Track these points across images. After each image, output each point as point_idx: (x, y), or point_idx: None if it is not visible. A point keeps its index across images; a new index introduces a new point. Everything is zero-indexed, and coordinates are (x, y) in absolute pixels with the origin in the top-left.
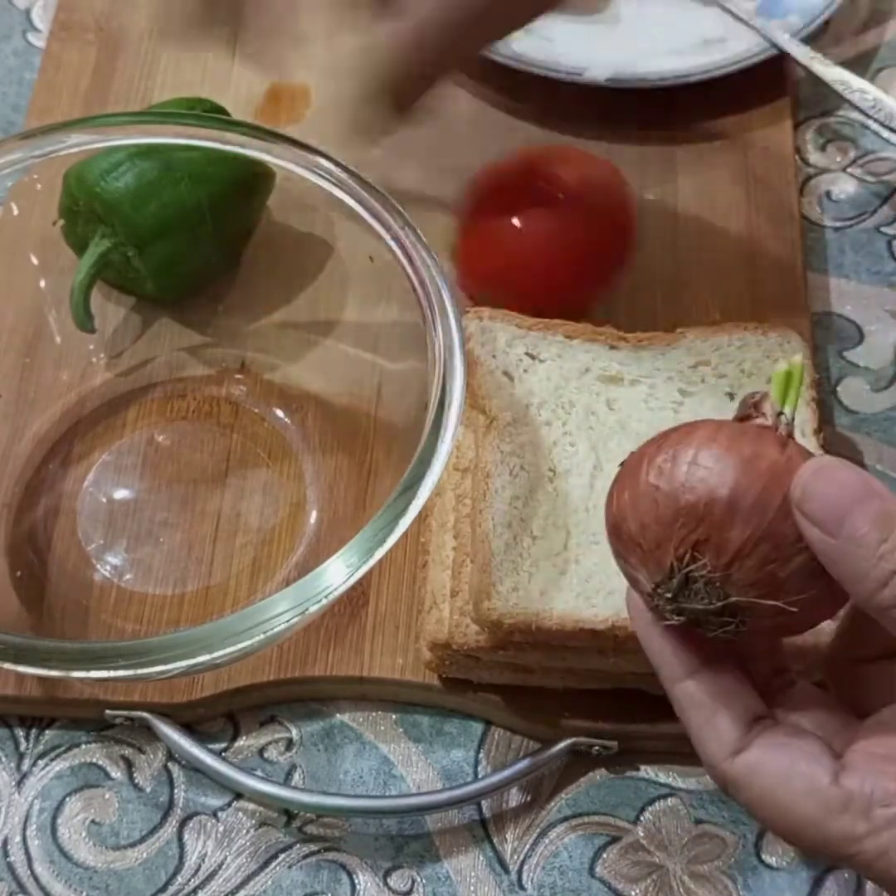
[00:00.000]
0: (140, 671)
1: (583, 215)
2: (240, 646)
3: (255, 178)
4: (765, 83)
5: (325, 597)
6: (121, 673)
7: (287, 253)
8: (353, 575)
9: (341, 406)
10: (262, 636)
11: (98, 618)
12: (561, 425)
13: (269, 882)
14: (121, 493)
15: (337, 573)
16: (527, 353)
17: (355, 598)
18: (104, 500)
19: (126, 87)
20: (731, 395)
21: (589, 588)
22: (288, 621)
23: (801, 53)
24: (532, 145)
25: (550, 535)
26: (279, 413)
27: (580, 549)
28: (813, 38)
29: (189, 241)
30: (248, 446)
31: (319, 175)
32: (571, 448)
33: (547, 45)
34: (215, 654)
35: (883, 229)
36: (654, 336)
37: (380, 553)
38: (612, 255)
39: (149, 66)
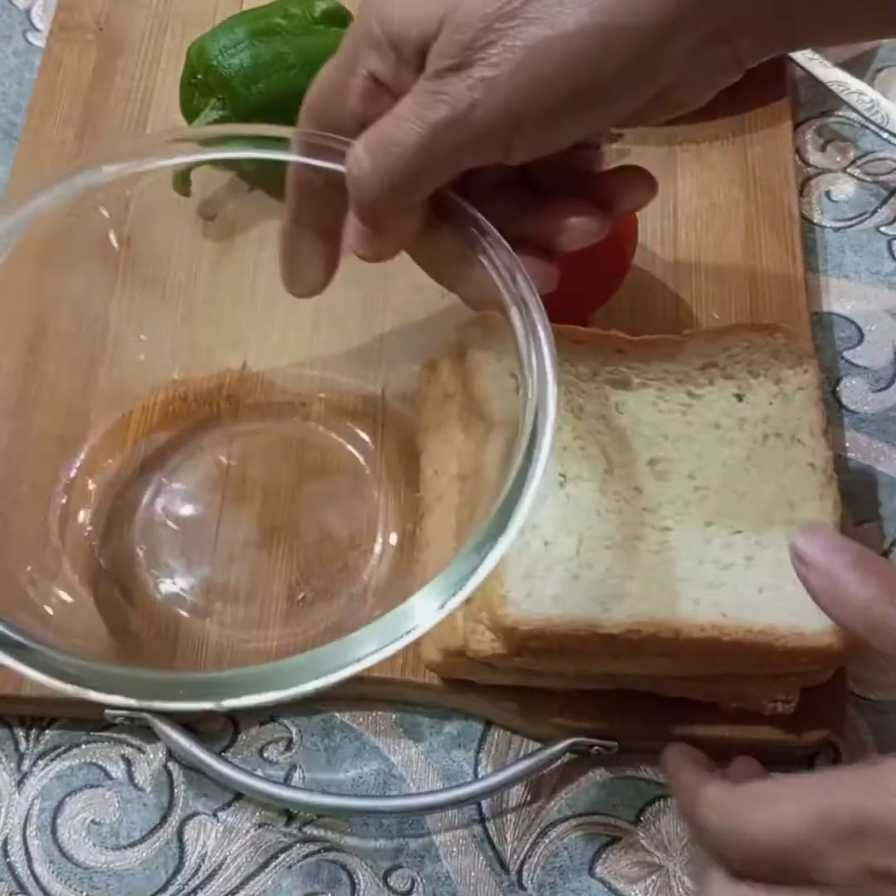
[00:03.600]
0: (227, 702)
1: None
2: (326, 681)
3: None
4: (765, 84)
5: (410, 634)
6: (209, 705)
7: None
8: (439, 612)
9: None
10: (345, 673)
11: (183, 646)
12: (571, 429)
13: (269, 882)
14: (193, 517)
15: (423, 612)
16: None
17: (356, 596)
18: (177, 525)
19: (126, 87)
20: (740, 397)
21: (602, 593)
22: (372, 660)
23: (801, 54)
24: None
25: (562, 541)
26: (355, 431)
27: (593, 554)
28: None
29: (293, 125)
30: (321, 465)
31: None
32: (582, 452)
33: None
34: (302, 688)
35: (883, 229)
36: (660, 339)
37: (468, 589)
38: (610, 269)
39: (149, 66)
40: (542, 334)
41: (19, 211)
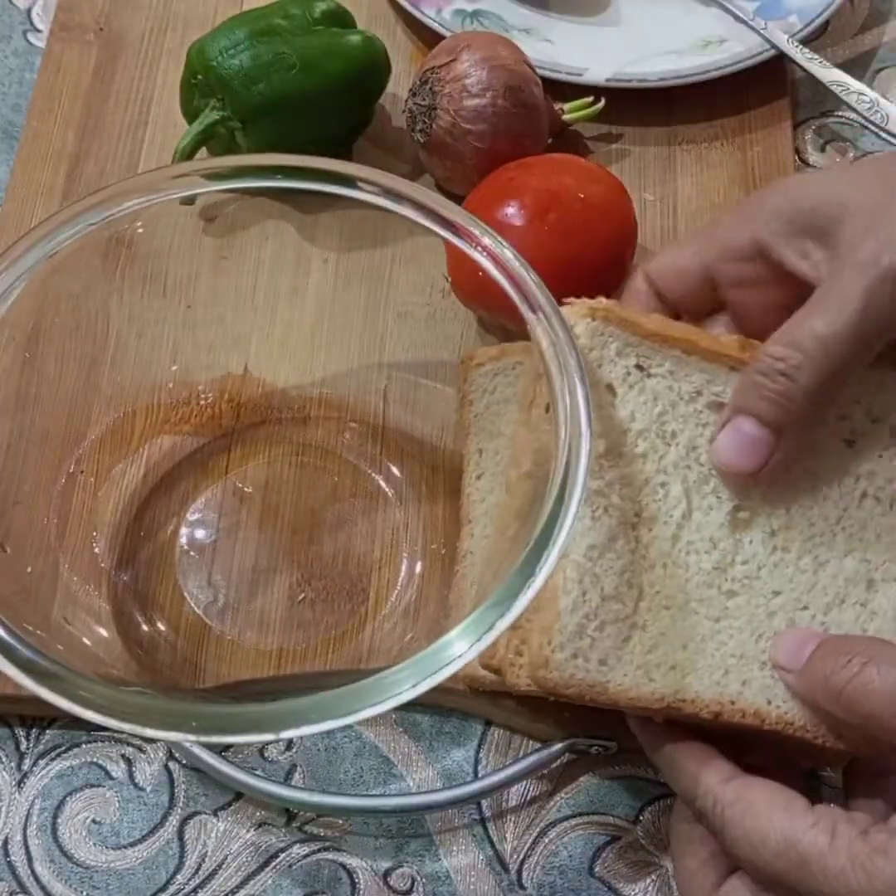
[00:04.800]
0: (264, 736)
1: (581, 229)
2: (363, 715)
3: (367, 78)
4: (764, 83)
5: (446, 669)
6: (250, 738)
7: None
8: (474, 647)
9: (442, 451)
10: (381, 707)
11: (214, 673)
12: (657, 460)
13: (269, 882)
14: (216, 543)
15: (459, 647)
16: (637, 366)
17: (356, 595)
18: (198, 554)
19: (126, 87)
20: (850, 443)
21: (651, 661)
22: (408, 696)
23: (801, 54)
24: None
25: (622, 596)
26: (381, 458)
27: (650, 613)
28: (812, 39)
29: (293, 126)
30: (344, 490)
31: None
32: (662, 489)
33: (547, 46)
34: (340, 721)
35: None
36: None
37: (502, 626)
38: (610, 271)
39: (149, 66)
40: (575, 370)
41: (27, 257)
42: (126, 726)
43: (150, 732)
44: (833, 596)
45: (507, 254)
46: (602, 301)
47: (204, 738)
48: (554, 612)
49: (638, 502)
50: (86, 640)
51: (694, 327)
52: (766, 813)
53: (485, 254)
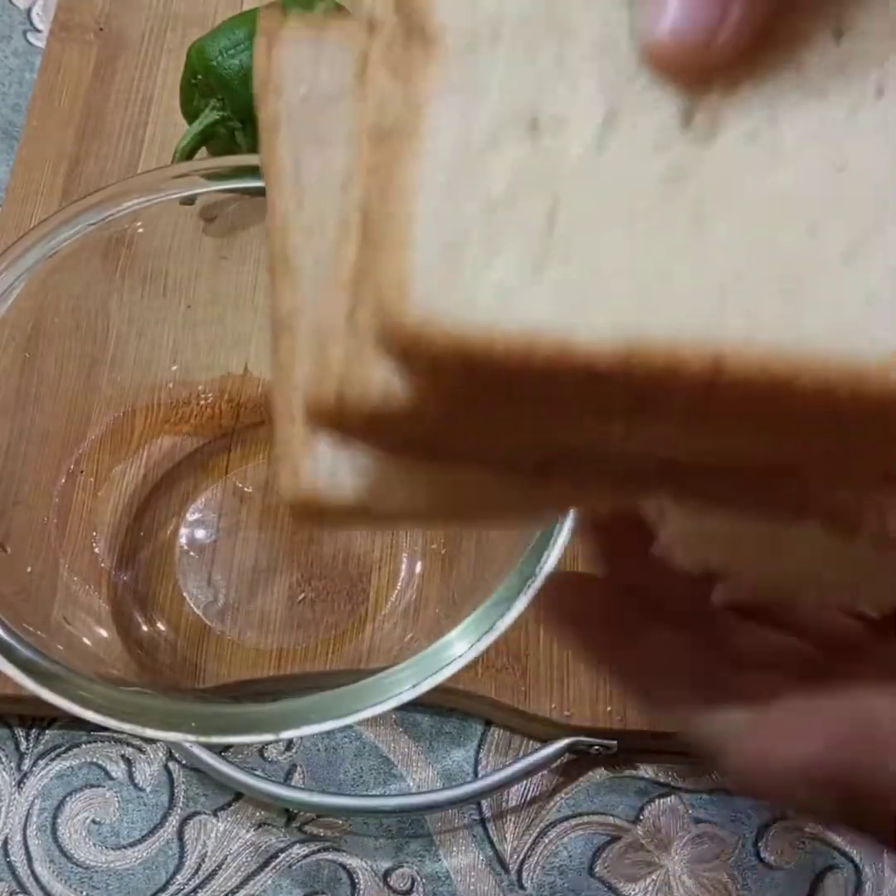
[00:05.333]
0: (264, 736)
1: None
2: (363, 715)
3: None
4: None
5: (446, 669)
6: (250, 739)
7: None
8: (474, 648)
9: None
10: (381, 707)
11: (214, 673)
12: (553, 54)
13: (269, 882)
14: (216, 543)
15: (459, 647)
16: None
17: (355, 594)
18: (198, 554)
19: (126, 87)
20: (838, 36)
21: (585, 291)
22: (408, 696)
23: None
24: None
25: (523, 203)
26: None
27: (575, 231)
28: None
29: None
30: None
31: None
32: (569, 88)
33: None
34: (340, 721)
35: None
36: None
37: (503, 626)
38: None
39: (149, 66)
40: None
41: (27, 257)
42: (126, 726)
43: (149, 733)
44: (871, 202)
45: None
46: None
47: (204, 739)
48: (404, 222)
49: (532, 106)
50: (86, 640)
51: None
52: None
53: None
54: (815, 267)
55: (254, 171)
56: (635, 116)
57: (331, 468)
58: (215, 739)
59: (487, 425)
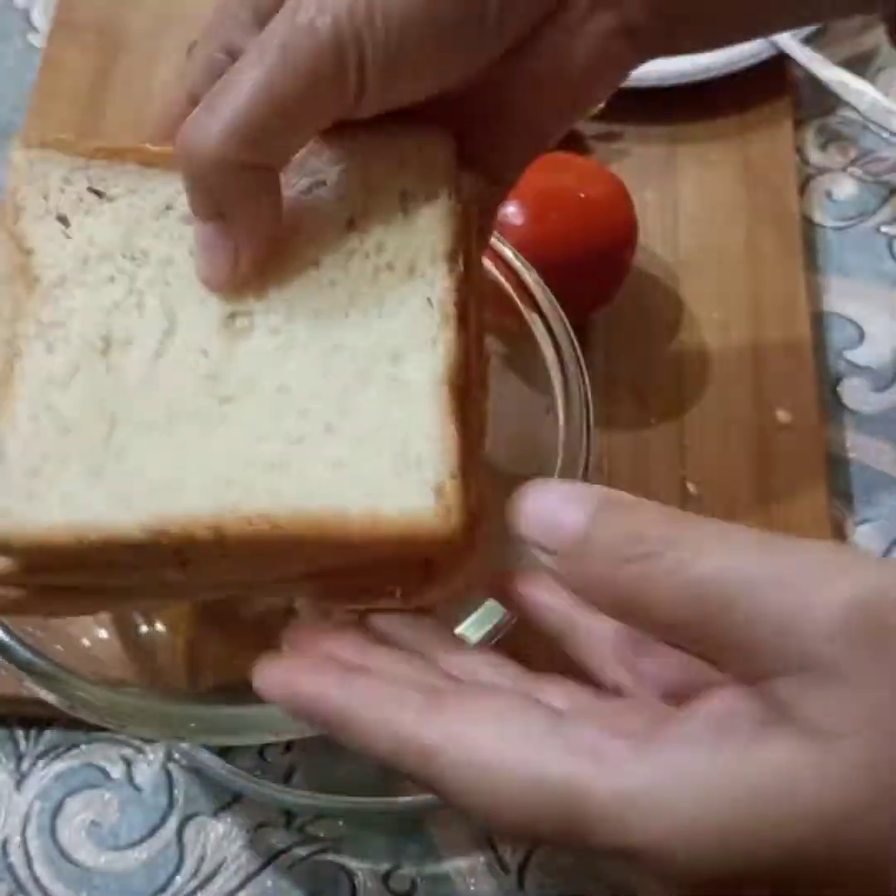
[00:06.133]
0: (264, 737)
1: (581, 228)
2: None
3: None
4: (765, 83)
5: None
6: (250, 740)
7: None
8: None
9: None
10: None
11: (214, 674)
12: (128, 282)
13: (269, 883)
14: None
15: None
16: (89, 189)
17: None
18: None
19: (126, 87)
20: (350, 222)
21: (131, 489)
22: None
23: (801, 54)
24: None
25: (89, 427)
26: None
27: (129, 440)
28: (813, 39)
29: None
30: None
31: None
32: (137, 310)
33: None
34: None
35: (883, 229)
36: None
37: (502, 626)
38: (610, 271)
39: (149, 66)
40: (573, 373)
41: None
42: (125, 727)
43: (149, 733)
44: (353, 378)
45: (508, 253)
46: (36, 142)
47: (203, 740)
48: None
49: (106, 327)
50: (85, 641)
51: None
52: (494, 747)
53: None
54: (304, 443)
55: None
56: (189, 325)
57: None
58: (215, 740)
59: (75, 579)
